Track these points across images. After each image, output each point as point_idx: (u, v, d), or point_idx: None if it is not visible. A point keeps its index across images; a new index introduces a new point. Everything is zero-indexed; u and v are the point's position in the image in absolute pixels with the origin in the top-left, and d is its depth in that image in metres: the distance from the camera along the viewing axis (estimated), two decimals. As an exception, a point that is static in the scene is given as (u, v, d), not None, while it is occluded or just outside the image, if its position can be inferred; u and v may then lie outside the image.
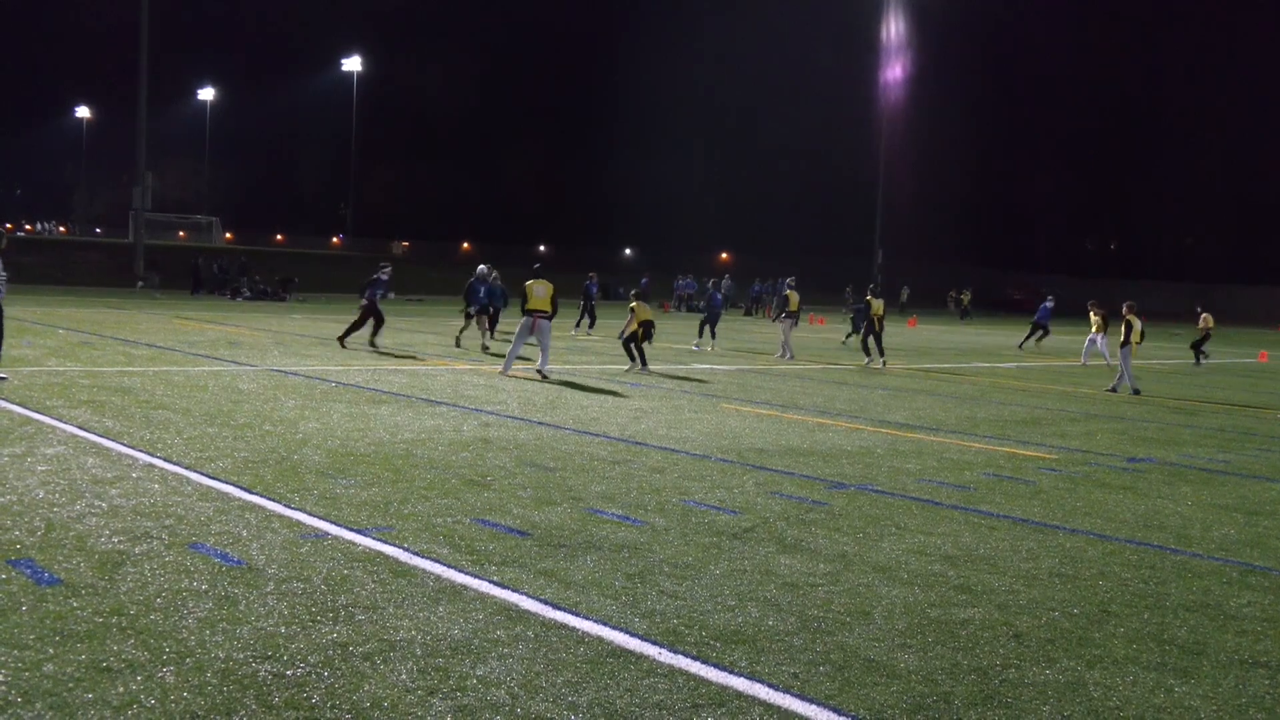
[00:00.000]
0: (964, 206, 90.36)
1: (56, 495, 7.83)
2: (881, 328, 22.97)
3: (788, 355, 24.30)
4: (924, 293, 61.71)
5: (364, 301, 21.53)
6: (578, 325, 29.89)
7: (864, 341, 23.28)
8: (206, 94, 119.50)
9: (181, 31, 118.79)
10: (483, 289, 22.85)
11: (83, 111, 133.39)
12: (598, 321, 30.23)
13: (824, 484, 9.78)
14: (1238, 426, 15.91)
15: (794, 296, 24.99)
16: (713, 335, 26.18)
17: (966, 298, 55.41)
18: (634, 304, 19.47)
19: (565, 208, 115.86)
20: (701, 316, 26.85)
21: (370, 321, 21.45)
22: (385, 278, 22.22)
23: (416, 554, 6.83)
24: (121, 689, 4.62)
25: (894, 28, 67.94)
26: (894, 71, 68.97)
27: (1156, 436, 14.26)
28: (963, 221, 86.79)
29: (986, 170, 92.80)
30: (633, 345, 19.39)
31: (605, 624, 5.73)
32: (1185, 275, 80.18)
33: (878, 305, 23.08)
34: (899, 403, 16.54)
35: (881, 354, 23.06)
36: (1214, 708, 5.13)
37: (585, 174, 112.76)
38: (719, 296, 26.94)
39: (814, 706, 4.85)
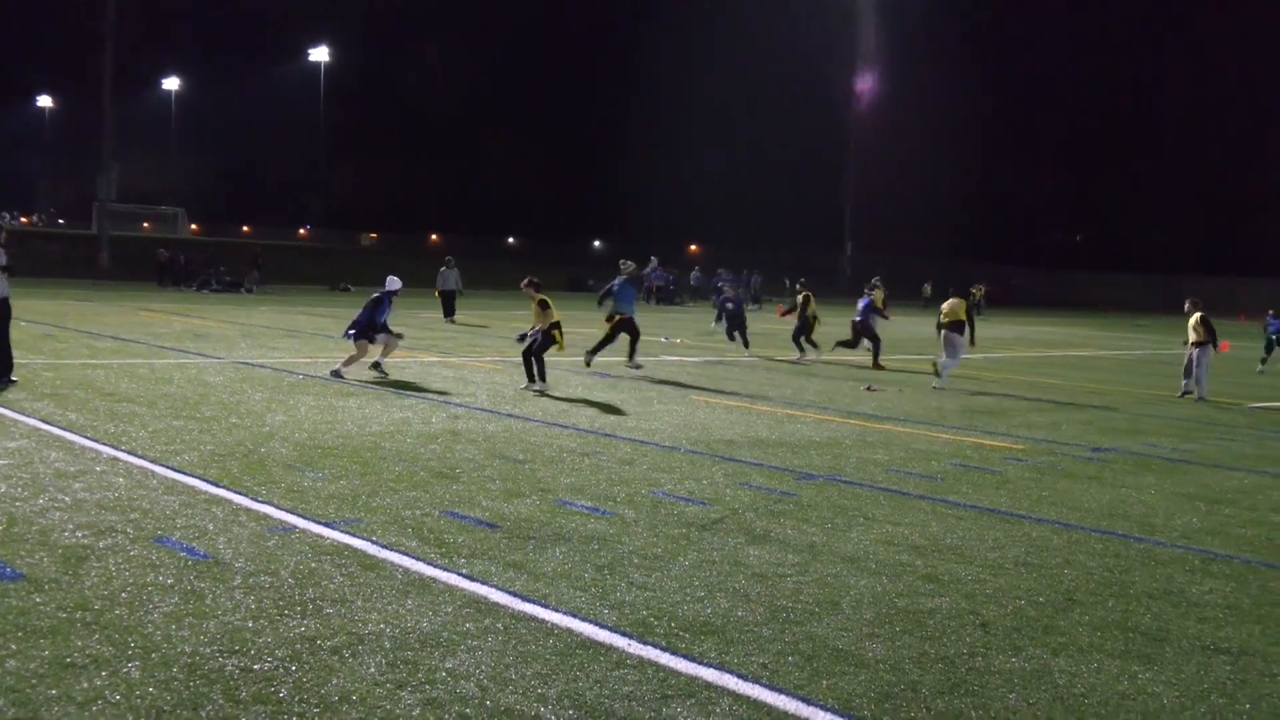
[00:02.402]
0: (936, 200, 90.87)
1: (19, 489, 7.74)
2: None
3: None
4: (896, 284, 62.14)
5: (729, 308, 23.31)
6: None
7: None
8: (171, 83, 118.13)
9: (146, 18, 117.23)
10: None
11: (44, 100, 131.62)
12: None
13: (793, 475, 9.81)
14: (1200, 416, 16.10)
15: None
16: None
17: (979, 292, 56.53)
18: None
19: (533, 199, 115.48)
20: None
21: (735, 331, 23.04)
22: (729, 290, 23.64)
23: (385, 547, 6.80)
24: (86, 685, 4.58)
25: (868, 33, 68.40)
26: (864, 80, 69.39)
27: (1121, 426, 14.41)
28: (939, 214, 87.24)
29: (964, 165, 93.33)
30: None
31: (575, 616, 5.73)
32: (1152, 267, 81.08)
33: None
34: (867, 394, 16.63)
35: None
36: (1176, 693, 5.19)
37: (553, 166, 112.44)
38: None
39: (783, 696, 4.88)
